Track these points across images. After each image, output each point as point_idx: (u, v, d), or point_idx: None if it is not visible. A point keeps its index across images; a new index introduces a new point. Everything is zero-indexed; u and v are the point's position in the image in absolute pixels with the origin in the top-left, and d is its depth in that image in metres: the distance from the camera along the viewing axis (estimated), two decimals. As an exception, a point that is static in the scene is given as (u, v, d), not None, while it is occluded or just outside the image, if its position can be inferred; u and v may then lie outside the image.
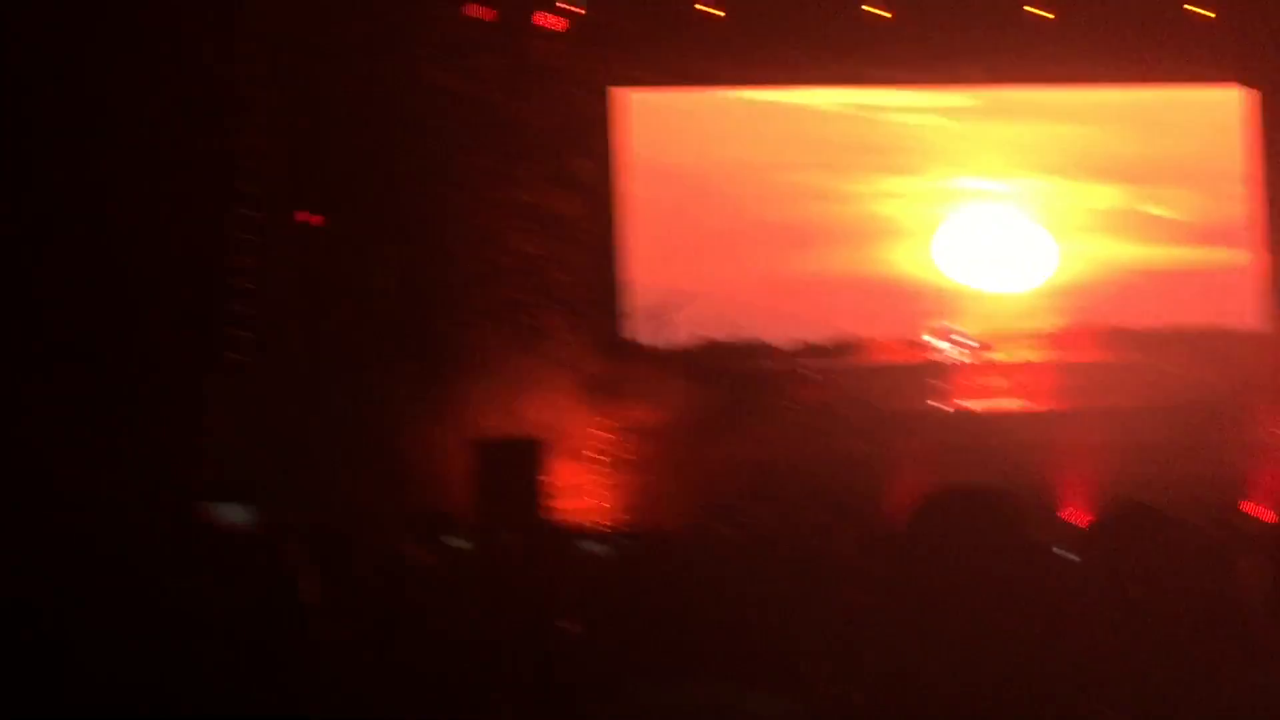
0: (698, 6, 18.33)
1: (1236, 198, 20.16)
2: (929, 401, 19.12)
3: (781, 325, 19.48)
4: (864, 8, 18.49)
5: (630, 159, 19.15)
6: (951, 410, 19.16)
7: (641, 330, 18.17)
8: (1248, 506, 15.19)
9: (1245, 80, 19.96)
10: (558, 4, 18.13)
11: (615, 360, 17.39)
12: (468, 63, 17.86)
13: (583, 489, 16.82)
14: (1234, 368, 18.67)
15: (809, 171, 20.19)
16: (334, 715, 4.41)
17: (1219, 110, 20.36)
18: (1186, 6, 18.64)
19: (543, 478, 15.30)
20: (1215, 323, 20.05)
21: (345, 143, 16.87)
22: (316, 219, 16.70)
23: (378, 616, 5.65)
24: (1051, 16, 18.62)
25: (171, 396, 14.90)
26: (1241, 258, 20.10)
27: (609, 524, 16.00)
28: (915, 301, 19.79)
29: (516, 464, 14.93)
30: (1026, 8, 18.60)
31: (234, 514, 11.31)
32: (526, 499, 14.69)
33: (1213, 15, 18.53)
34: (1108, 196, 20.43)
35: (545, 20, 18.16)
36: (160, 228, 15.12)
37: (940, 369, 19.18)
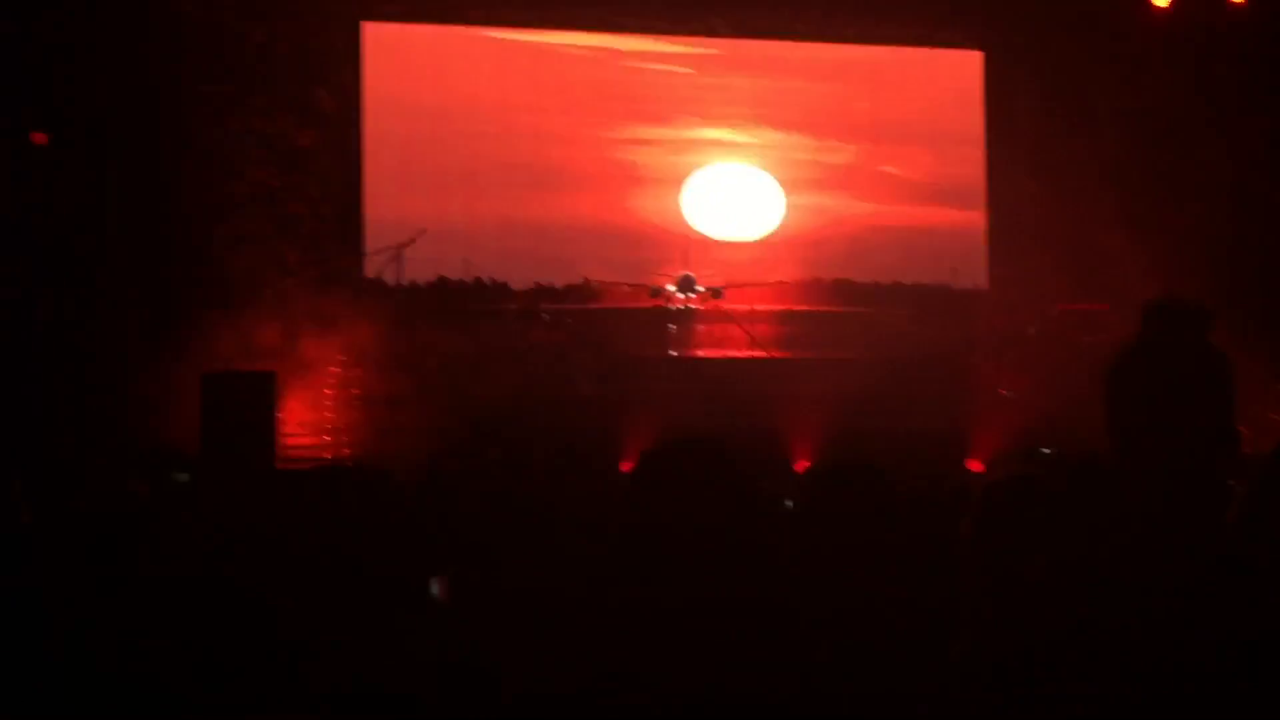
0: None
1: (971, 160, 20.71)
2: (663, 348, 19.37)
3: (520, 267, 19.56)
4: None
5: (374, 93, 18.97)
6: (684, 357, 19.44)
7: (379, 266, 18.07)
8: (971, 463, 15.65)
9: (976, 43, 20.52)
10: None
11: (351, 296, 17.27)
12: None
13: (315, 424, 16.69)
14: (960, 325, 19.23)
15: (554, 115, 20.25)
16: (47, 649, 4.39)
17: (958, 72, 20.87)
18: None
19: (275, 412, 15.14)
20: (944, 281, 20.64)
21: (75, 63, 16.37)
22: (41, 138, 16.16)
23: (94, 547, 5.61)
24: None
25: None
26: (972, 218, 20.68)
27: (337, 458, 15.91)
28: (651, 248, 19.99)
29: (249, 397, 14.74)
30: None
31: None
32: (258, 433, 14.54)
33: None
34: (844, 153, 20.86)
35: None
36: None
37: (674, 316, 19.44)
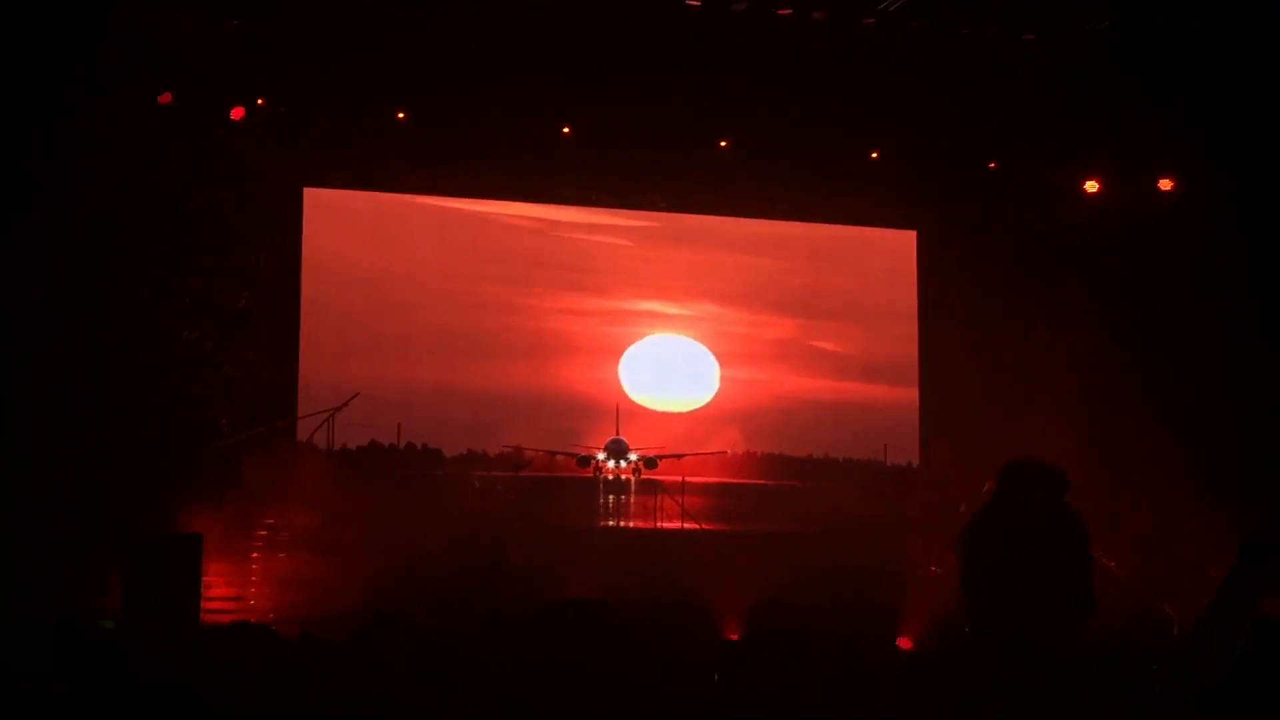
0: (397, 114, 18.30)
1: (904, 337, 20.88)
2: (595, 518, 19.34)
3: (453, 434, 19.54)
4: (561, 128, 18.71)
5: (314, 257, 19.03)
6: (615, 528, 19.42)
7: (312, 430, 17.99)
8: (900, 640, 15.59)
9: (910, 223, 20.81)
10: (254, 97, 17.92)
11: (284, 459, 17.19)
12: (156, 151, 17.54)
13: (245, 586, 16.53)
14: (892, 501, 19.31)
15: (492, 283, 20.37)
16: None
17: (893, 251, 21.12)
18: (871, 155, 19.30)
19: (201, 575, 15.00)
20: (876, 456, 20.75)
21: (16, 222, 16.37)
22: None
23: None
24: (726, 147, 19.11)
25: None
26: (905, 395, 20.80)
27: (266, 620, 15.75)
28: (585, 418, 20.03)
29: (174, 560, 14.61)
30: (719, 141, 19.04)
31: None
32: (183, 595, 14.39)
33: (875, 155, 19.24)
34: (779, 328, 21.03)
35: (240, 115, 17.94)
36: None
37: (607, 485, 19.44)
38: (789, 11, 17.70)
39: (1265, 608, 3.67)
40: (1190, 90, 17.51)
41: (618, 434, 19.76)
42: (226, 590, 16.29)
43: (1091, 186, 19.31)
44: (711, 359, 20.62)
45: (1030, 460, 3.91)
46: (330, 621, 12.25)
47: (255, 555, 16.78)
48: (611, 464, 19.61)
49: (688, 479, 19.48)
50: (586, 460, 19.60)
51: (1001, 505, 3.81)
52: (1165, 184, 19.12)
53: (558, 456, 19.78)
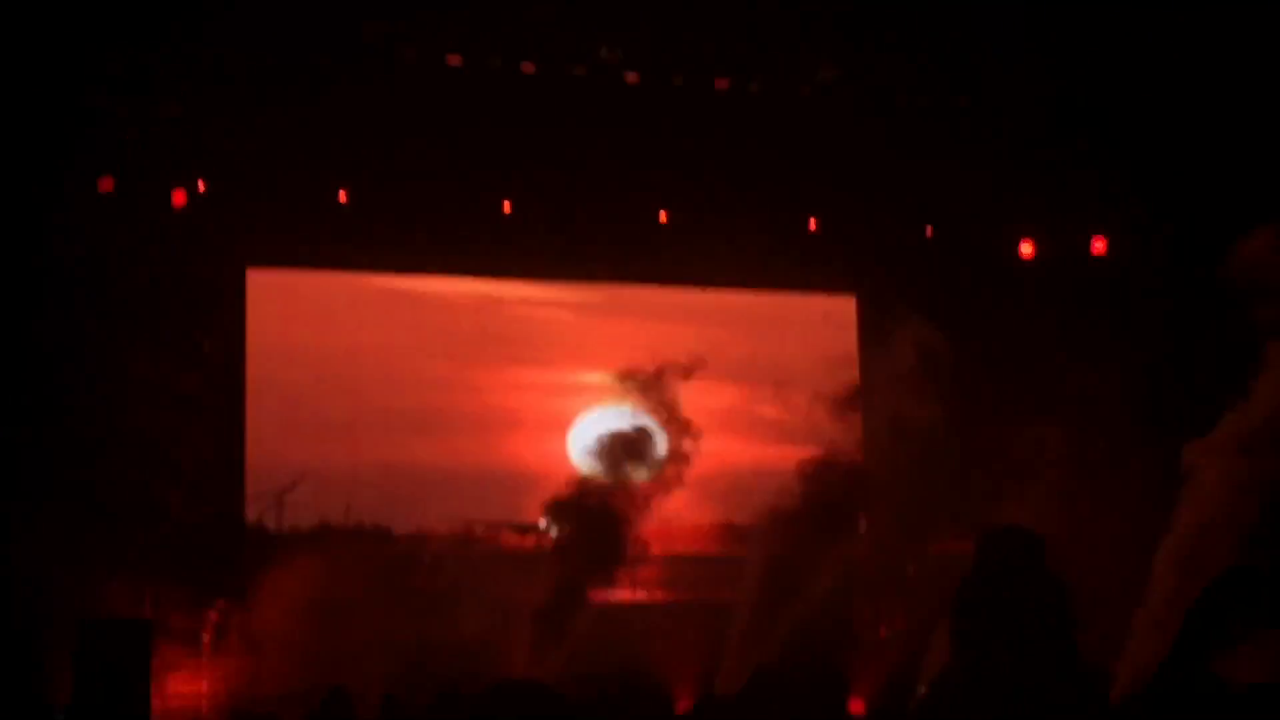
0: (339, 192, 18.39)
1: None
2: (548, 590, 19.29)
3: (402, 512, 19.50)
4: (503, 202, 18.84)
5: (258, 338, 19.02)
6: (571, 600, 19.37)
7: (261, 512, 17.94)
8: (852, 704, 15.61)
9: (848, 287, 20.98)
10: (195, 181, 17.98)
11: (234, 542, 17.15)
12: (95, 235, 17.56)
13: (194, 672, 16.45)
14: (840, 566, 19.35)
15: (436, 360, 20.37)
16: None
17: (833, 316, 21.25)
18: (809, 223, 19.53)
19: (150, 660, 14.91)
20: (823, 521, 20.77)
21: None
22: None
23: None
24: (666, 218, 19.27)
25: None
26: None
27: (217, 709, 15.70)
28: (535, 492, 20.02)
29: (124, 645, 14.52)
30: (661, 210, 19.21)
31: None
32: (133, 682, 14.30)
33: (812, 225, 19.49)
34: (723, 396, 21.08)
35: (179, 197, 18.00)
36: None
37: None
38: (726, 84, 17.94)
39: (1218, 666, 3.76)
40: (1121, 149, 17.81)
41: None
42: (180, 676, 16.21)
43: (1027, 249, 19.57)
44: (656, 429, 20.63)
45: (1010, 527, 4.02)
46: (286, 702, 12.24)
47: (207, 639, 16.71)
48: (554, 531, 19.62)
49: (638, 550, 19.44)
50: (526, 530, 19.59)
51: (987, 575, 3.89)
52: (1099, 245, 19.39)
53: (507, 530, 19.76)
